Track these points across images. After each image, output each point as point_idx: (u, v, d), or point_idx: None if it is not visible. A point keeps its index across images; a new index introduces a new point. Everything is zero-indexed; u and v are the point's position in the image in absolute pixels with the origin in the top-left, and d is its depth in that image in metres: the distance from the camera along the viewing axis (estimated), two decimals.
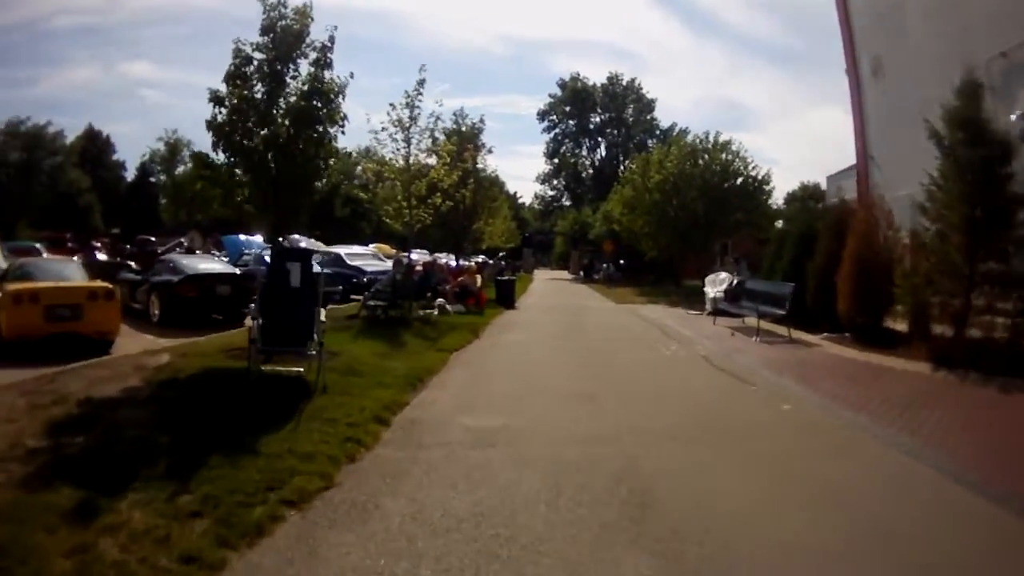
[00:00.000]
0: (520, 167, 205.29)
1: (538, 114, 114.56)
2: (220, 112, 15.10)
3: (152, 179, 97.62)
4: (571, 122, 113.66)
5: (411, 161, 24.17)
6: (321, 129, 15.82)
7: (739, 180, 45.65)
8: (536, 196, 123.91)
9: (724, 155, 45.80)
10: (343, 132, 16.30)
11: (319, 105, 15.71)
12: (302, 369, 12.73)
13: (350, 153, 70.16)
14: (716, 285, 30.66)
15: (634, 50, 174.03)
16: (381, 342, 17.69)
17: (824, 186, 35.22)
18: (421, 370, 14.31)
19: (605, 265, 72.12)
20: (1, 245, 32.79)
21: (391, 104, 23.73)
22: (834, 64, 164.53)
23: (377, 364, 14.47)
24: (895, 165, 22.39)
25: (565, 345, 20.16)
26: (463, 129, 38.04)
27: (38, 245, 45.31)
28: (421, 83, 23.52)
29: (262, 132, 15.32)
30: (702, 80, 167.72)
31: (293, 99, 15.65)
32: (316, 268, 14.66)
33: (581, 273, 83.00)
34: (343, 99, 16.06)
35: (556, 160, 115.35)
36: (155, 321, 21.57)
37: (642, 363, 17.12)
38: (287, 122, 15.49)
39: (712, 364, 16.55)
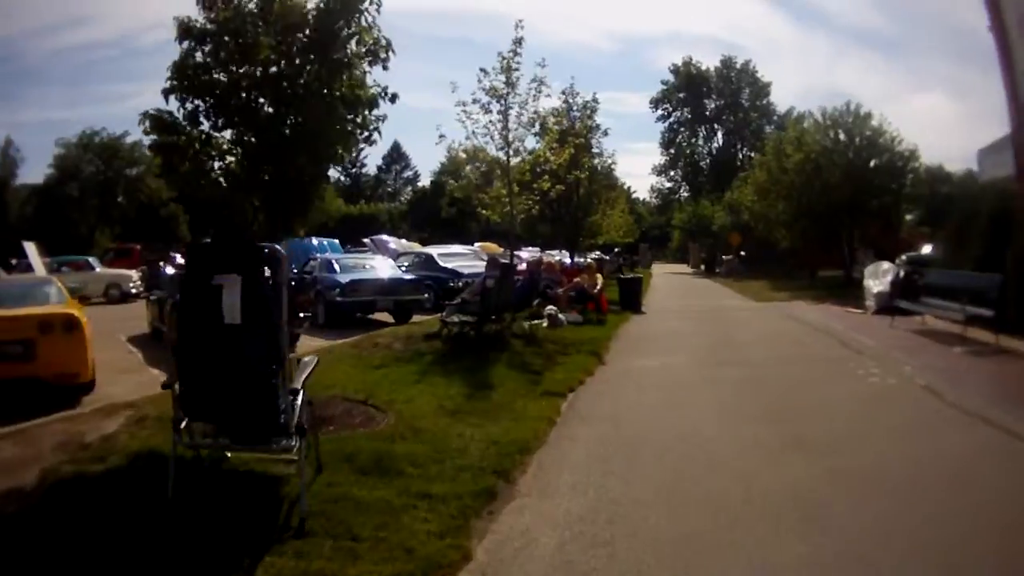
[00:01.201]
0: (632, 164, 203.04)
1: (651, 102, 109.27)
2: (196, 49, 10.54)
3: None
4: (685, 110, 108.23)
5: (510, 138, 20.06)
6: (344, 59, 11.02)
7: (885, 157, 39.87)
8: (652, 189, 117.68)
9: (866, 129, 40.09)
10: (385, 66, 11.33)
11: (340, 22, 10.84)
12: (291, 459, 6.88)
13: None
14: (879, 277, 26.24)
15: (739, 43, 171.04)
16: (460, 380, 12.40)
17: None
18: (510, 446, 8.51)
19: (728, 257, 68.48)
20: (43, 258, 29.78)
21: (481, 69, 19.81)
22: (933, 49, 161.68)
23: (438, 433, 9.01)
24: None
25: (730, 374, 14.46)
26: (574, 109, 34.29)
27: (91, 259, 42.93)
28: (519, 42, 19.47)
29: (246, 69, 10.61)
30: (808, 70, 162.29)
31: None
32: (280, 279, 6.78)
33: (702, 267, 79.60)
34: (378, 12, 11.06)
35: (672, 150, 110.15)
36: None
37: (855, 407, 11.50)
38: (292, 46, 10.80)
39: (945, 401, 11.47)
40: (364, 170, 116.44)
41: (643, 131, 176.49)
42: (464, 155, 22.31)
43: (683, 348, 18.35)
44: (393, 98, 11.27)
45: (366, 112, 11.19)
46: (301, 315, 17.03)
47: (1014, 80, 20.60)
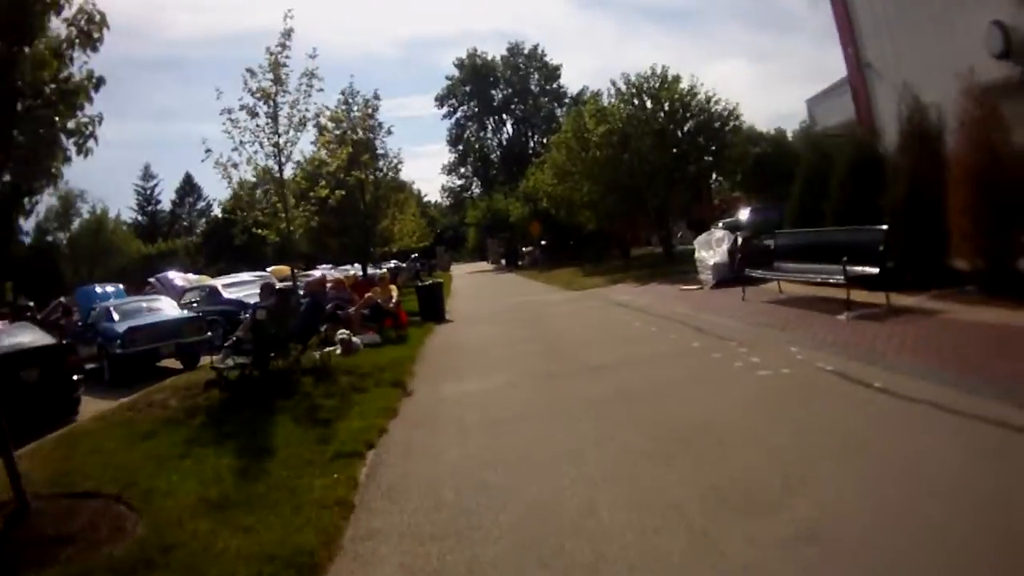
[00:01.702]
0: (422, 168, 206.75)
1: (436, 99, 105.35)
2: None
3: (49, 238, 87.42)
4: (472, 103, 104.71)
5: (281, 143, 18.17)
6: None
7: (702, 118, 36.55)
8: (443, 188, 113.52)
9: (677, 93, 36.55)
10: (96, 47, 8.02)
11: None
12: None
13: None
14: (712, 247, 23.64)
15: (525, 34, 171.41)
16: (234, 446, 9.50)
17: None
18: (289, 567, 5.67)
19: (529, 249, 67.00)
20: None
21: (248, 70, 18.10)
22: (726, 17, 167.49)
23: (196, 550, 6.22)
24: (903, 71, 16.81)
25: (575, 391, 10.58)
26: (354, 109, 31.50)
27: None
28: (287, 34, 18.01)
29: None
30: (597, 53, 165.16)
31: None
32: None
33: (502, 262, 77.17)
34: None
35: (460, 147, 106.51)
36: None
37: (768, 420, 7.91)
38: None
39: (874, 388, 8.42)
40: (159, 207, 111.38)
41: (431, 133, 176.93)
42: (232, 167, 18.75)
43: (504, 360, 14.38)
44: (98, 85, 8.11)
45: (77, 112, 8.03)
46: (75, 377, 15.63)
47: (851, 20, 19.40)
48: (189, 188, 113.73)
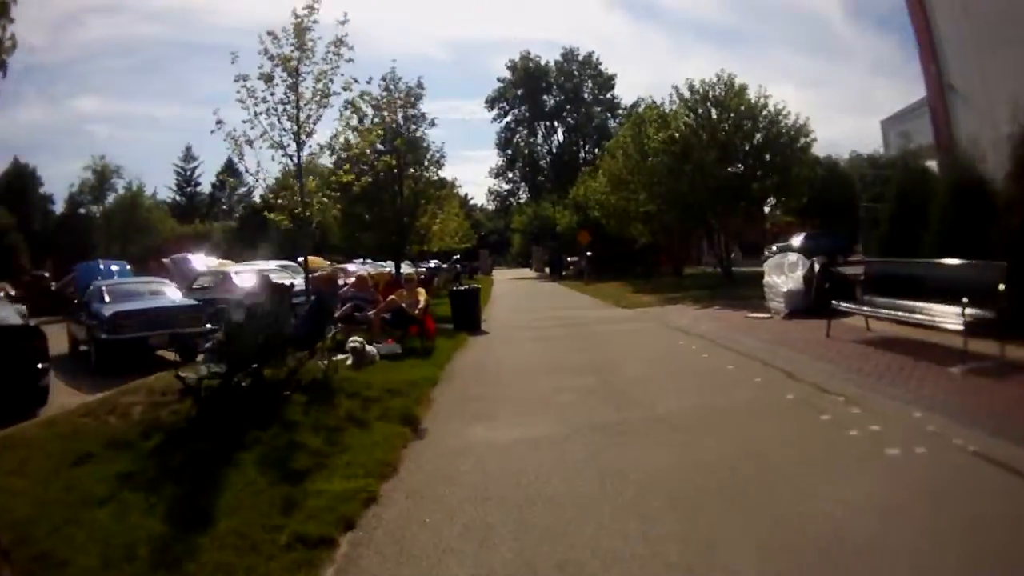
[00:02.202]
0: (470, 171, 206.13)
1: (487, 101, 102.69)
2: None
3: (82, 211, 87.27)
4: (523, 107, 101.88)
5: (301, 117, 16.16)
6: None
7: (771, 132, 32.85)
8: (490, 192, 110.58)
9: (744, 103, 33.13)
10: None
11: None
12: None
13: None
14: (785, 272, 20.90)
15: (578, 43, 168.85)
16: (169, 497, 6.96)
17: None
18: None
19: (574, 259, 63.37)
20: None
21: (269, 33, 16.11)
22: (777, 41, 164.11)
23: None
24: (981, 98, 16.04)
25: (650, 461, 7.64)
26: (395, 95, 29.14)
27: None
28: None
29: None
30: (650, 66, 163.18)
31: None
32: None
33: (546, 270, 75.84)
34: None
35: (509, 151, 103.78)
36: None
37: (922, 534, 5.29)
38: None
39: None
40: (198, 188, 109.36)
41: (482, 139, 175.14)
42: (246, 142, 16.43)
43: (547, 396, 11.39)
44: None
45: None
46: (40, 365, 13.52)
47: (932, 38, 17.88)
48: (231, 172, 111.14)
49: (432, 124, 31.12)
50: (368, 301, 18.67)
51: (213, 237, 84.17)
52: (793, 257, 21.72)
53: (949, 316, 11.78)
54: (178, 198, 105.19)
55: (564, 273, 65.57)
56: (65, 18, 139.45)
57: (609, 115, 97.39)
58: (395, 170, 28.56)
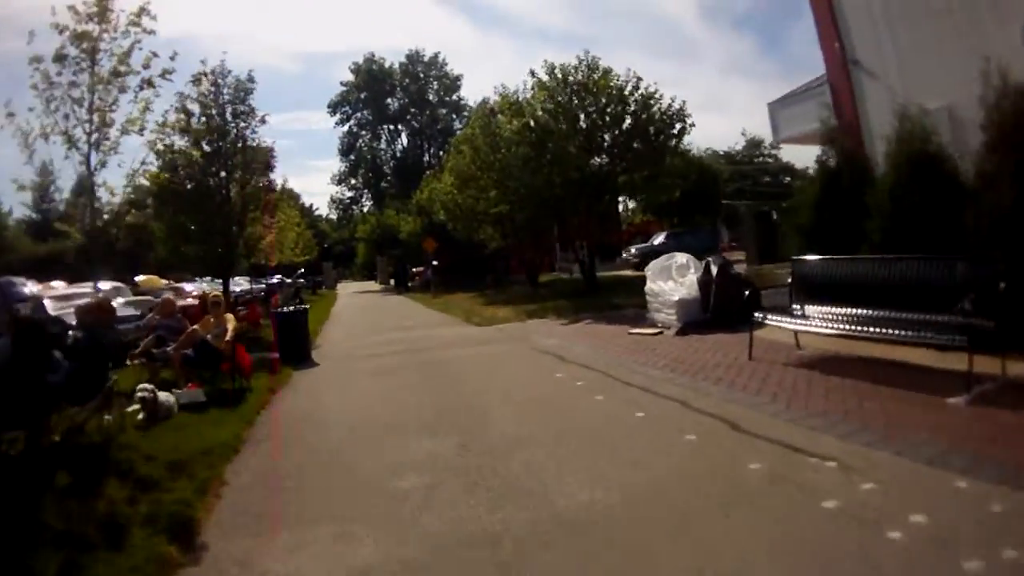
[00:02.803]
0: (314, 183, 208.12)
1: (329, 105, 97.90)
2: None
3: None
4: (367, 111, 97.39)
5: (95, 103, 14.92)
6: None
7: (640, 118, 29.20)
8: (332, 200, 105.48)
9: (611, 86, 29.27)
10: None
11: None
12: None
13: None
14: (674, 277, 18.17)
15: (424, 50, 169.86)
16: None
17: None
18: None
19: (420, 269, 60.46)
20: None
21: (69, 8, 15.06)
22: (628, 44, 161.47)
23: None
24: (897, 73, 14.94)
25: None
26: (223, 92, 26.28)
27: None
28: None
29: None
30: (497, 74, 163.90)
31: None
32: None
33: (391, 282, 72.53)
34: None
35: (352, 156, 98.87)
36: None
37: None
38: None
39: None
40: (54, 204, 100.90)
41: (327, 149, 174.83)
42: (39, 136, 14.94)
43: (389, 479, 7.50)
44: None
45: None
46: None
47: (833, 10, 16.79)
48: (82, 188, 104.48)
49: (263, 121, 27.39)
50: (176, 331, 15.00)
51: (67, 257, 78.47)
52: (682, 258, 18.64)
53: (931, 327, 8.93)
54: (33, 215, 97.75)
55: (410, 284, 62.71)
56: None
57: (455, 117, 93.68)
58: (220, 172, 25.62)
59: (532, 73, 30.40)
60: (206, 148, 25.44)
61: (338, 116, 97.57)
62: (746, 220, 36.70)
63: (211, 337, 13.83)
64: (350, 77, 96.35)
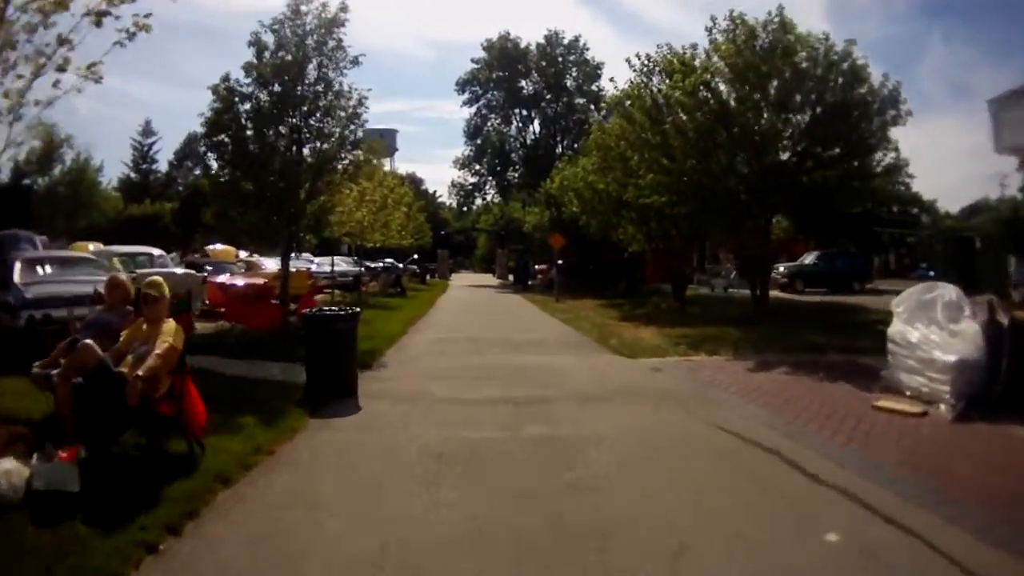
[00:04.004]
0: (440, 172, 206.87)
1: (457, 84, 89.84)
2: None
3: (27, 181, 78.02)
4: (498, 93, 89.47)
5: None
6: None
7: (848, 97, 20.82)
8: (452, 184, 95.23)
9: (808, 48, 21.12)
10: None
11: None
12: None
13: None
14: (939, 319, 11.51)
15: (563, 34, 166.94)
16: None
17: None
18: None
19: (542, 266, 57.25)
20: None
21: None
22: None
23: None
24: None
25: None
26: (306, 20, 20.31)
27: None
28: None
29: None
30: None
31: None
32: None
33: (510, 277, 68.16)
34: None
35: (479, 140, 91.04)
36: None
37: None
38: None
39: None
40: (155, 166, 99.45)
41: (456, 138, 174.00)
42: None
43: None
44: None
45: None
46: None
47: None
48: (190, 151, 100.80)
49: (356, 62, 20.97)
50: (113, 333, 8.54)
51: (164, 219, 77.51)
52: (950, 293, 11.62)
53: None
54: (132, 175, 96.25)
55: (530, 283, 56.42)
56: None
57: (592, 108, 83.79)
58: (291, 120, 19.59)
59: (709, 29, 22.48)
60: (276, 89, 19.58)
61: (466, 95, 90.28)
62: (940, 247, 29.26)
63: (131, 359, 7.24)
64: (481, 54, 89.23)
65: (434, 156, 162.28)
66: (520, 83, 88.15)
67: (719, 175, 20.82)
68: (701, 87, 21.05)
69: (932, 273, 61.61)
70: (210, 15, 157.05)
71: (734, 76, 20.84)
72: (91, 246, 28.28)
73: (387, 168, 67.76)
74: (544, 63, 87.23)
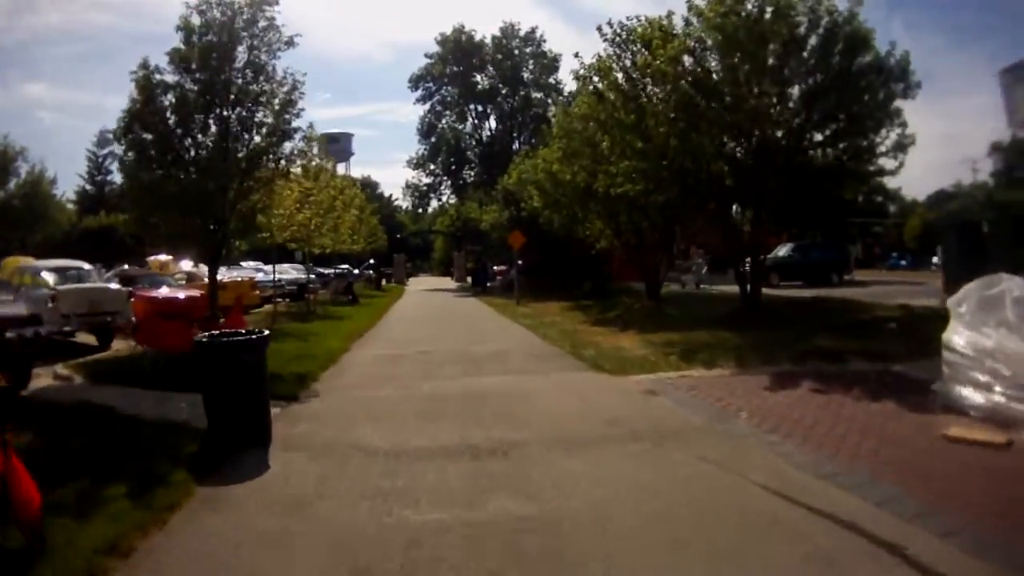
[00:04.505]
0: (396, 175, 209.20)
1: (410, 80, 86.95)
2: None
3: None
4: (452, 89, 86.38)
5: None
6: None
7: (850, 65, 18.14)
8: (407, 185, 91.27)
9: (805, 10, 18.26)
10: None
11: None
12: None
13: None
14: (1011, 321, 9.11)
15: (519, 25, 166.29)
16: None
17: None
18: None
19: (502, 267, 55.27)
20: None
21: None
22: None
23: None
24: None
25: None
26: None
27: None
28: None
29: None
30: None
31: None
32: None
33: (468, 279, 65.40)
34: None
35: (433, 139, 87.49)
36: None
37: None
38: None
39: None
40: (110, 177, 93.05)
41: (413, 141, 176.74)
42: None
43: None
44: None
45: None
46: None
47: None
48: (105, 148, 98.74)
49: (291, 43, 18.39)
50: None
51: (119, 231, 73.51)
52: (1019, 287, 9.36)
53: None
54: (88, 187, 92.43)
55: (489, 284, 53.89)
56: (15, 1, 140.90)
57: (551, 101, 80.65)
58: (218, 111, 17.66)
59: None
60: (202, 77, 17.63)
61: (420, 92, 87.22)
62: (944, 233, 26.67)
63: None
64: (435, 49, 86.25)
65: (392, 160, 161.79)
66: (475, 77, 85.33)
67: (704, 157, 18.16)
68: (685, 56, 18.39)
69: (904, 263, 60.66)
70: (167, 23, 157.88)
71: (722, 40, 17.99)
72: (21, 261, 25.93)
73: (342, 172, 66.13)
74: (500, 56, 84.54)
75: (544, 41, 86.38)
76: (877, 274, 51.84)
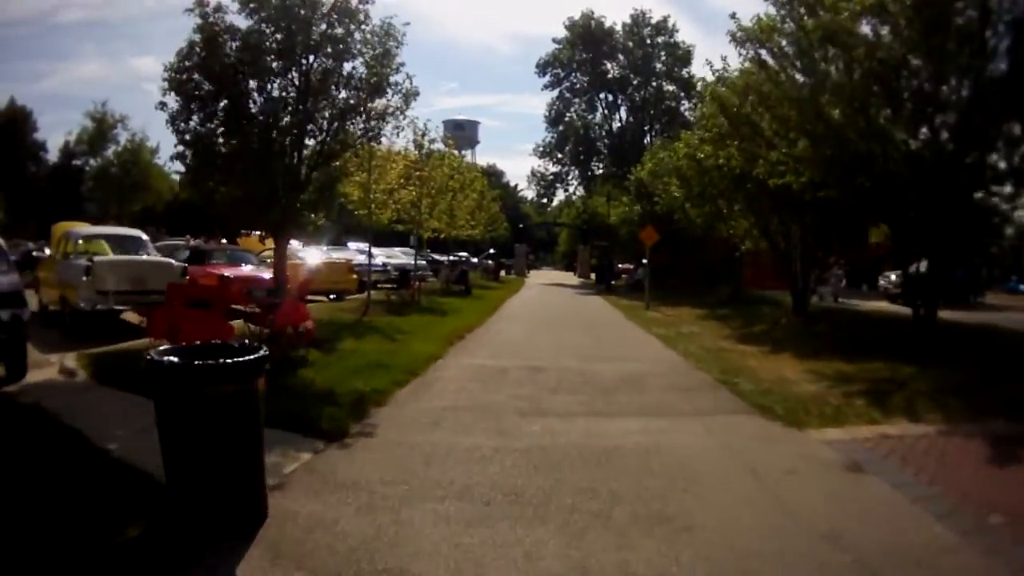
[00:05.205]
0: (522, 167, 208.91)
1: (537, 66, 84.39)
2: None
3: (77, 162, 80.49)
4: (581, 76, 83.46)
5: None
6: None
7: None
8: (532, 173, 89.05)
9: None
10: None
11: None
12: None
13: None
14: None
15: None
16: None
17: None
18: None
19: (628, 265, 54.74)
20: None
21: None
22: None
23: None
24: None
25: None
26: None
27: None
28: None
29: None
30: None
31: None
32: None
33: (592, 276, 64.20)
34: None
35: (561, 127, 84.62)
36: None
37: None
38: None
39: None
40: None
41: (539, 133, 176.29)
42: None
43: None
44: None
45: None
46: None
47: None
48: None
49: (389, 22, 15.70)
50: None
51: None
52: None
53: None
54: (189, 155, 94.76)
55: (613, 283, 51.51)
56: None
57: (683, 95, 77.37)
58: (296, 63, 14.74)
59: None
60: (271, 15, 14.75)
61: (548, 78, 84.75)
62: None
63: None
64: (564, 20, 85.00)
65: (518, 151, 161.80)
66: (605, 65, 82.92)
67: (892, 148, 14.72)
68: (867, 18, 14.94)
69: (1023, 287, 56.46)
70: None
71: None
72: (71, 226, 24.21)
73: (467, 159, 64.21)
74: (631, 43, 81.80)
75: (676, 31, 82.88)
76: (1000, 297, 47.33)
